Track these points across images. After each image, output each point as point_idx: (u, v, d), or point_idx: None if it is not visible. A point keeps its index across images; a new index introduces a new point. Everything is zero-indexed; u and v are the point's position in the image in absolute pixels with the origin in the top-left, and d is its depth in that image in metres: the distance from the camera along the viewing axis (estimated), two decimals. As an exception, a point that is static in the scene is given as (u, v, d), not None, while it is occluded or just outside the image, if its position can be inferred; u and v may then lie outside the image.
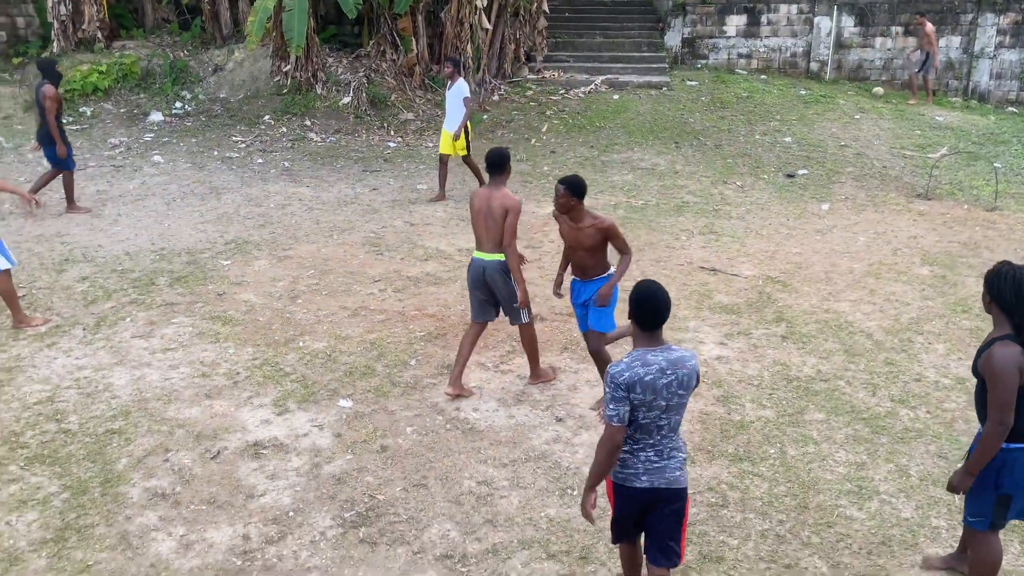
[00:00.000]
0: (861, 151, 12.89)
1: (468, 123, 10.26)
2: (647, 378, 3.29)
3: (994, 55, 16.01)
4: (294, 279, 7.73)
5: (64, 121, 12.59)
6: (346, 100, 14.06)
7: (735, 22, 16.64)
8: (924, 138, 13.53)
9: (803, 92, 15.83)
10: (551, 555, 4.19)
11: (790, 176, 11.74)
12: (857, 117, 14.57)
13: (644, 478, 3.44)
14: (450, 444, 5.15)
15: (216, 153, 12.38)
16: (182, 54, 15.18)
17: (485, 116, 14.28)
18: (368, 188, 10.88)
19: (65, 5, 14.60)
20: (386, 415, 5.47)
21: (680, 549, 3.56)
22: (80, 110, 13.65)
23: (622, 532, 3.67)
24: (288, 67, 13.98)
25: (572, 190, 5.12)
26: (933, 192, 10.96)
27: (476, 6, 14.05)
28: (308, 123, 13.66)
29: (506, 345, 6.53)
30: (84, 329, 6.60)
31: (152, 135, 13.11)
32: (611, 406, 3.32)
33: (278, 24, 13.41)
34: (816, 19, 16.42)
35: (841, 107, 15.09)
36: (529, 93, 15.33)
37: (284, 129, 13.49)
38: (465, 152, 10.33)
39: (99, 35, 14.78)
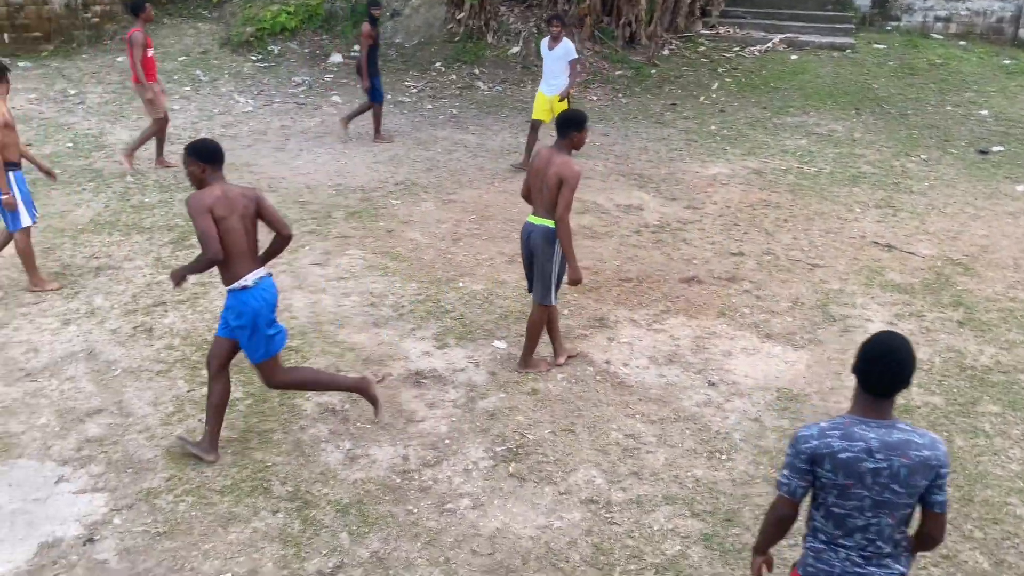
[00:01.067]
0: (1070, 129, 11.66)
1: (571, 91, 9.38)
2: (842, 455, 2.53)
3: None
4: (456, 222, 7.99)
5: (253, 58, 13.36)
6: (515, 50, 14.18)
7: (934, -19, 15.33)
8: None
9: (1007, 62, 14.42)
10: (695, 513, 4.22)
11: (983, 152, 10.81)
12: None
13: None
14: (599, 395, 5.24)
15: (389, 97, 12.84)
16: (364, -2, 15.75)
17: (653, 71, 14.00)
18: (531, 138, 11.00)
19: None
20: (537, 359, 5.61)
21: None
22: (269, 48, 14.51)
23: None
24: (462, 15, 14.23)
25: (197, 155, 4.19)
26: None
27: (653, -44, 13.69)
28: (476, 72, 13.89)
29: (660, 304, 6.50)
30: (268, 253, 7.15)
31: (332, 75, 13.77)
32: (784, 472, 2.66)
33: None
34: (1032, -21, 14.85)
35: (1051, 79, 13.66)
36: (701, 49, 14.85)
37: (454, 76, 13.79)
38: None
39: (290, -23, 15.55)
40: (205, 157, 4.17)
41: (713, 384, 5.43)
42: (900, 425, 2.57)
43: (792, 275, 7.12)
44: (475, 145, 10.64)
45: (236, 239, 4.13)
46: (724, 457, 4.66)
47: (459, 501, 4.25)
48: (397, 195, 8.66)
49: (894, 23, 15.70)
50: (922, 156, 10.62)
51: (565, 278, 5.24)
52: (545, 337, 5.55)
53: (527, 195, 5.32)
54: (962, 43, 15.19)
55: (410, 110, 12.28)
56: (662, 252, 7.51)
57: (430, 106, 12.52)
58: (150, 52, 8.89)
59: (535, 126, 9.60)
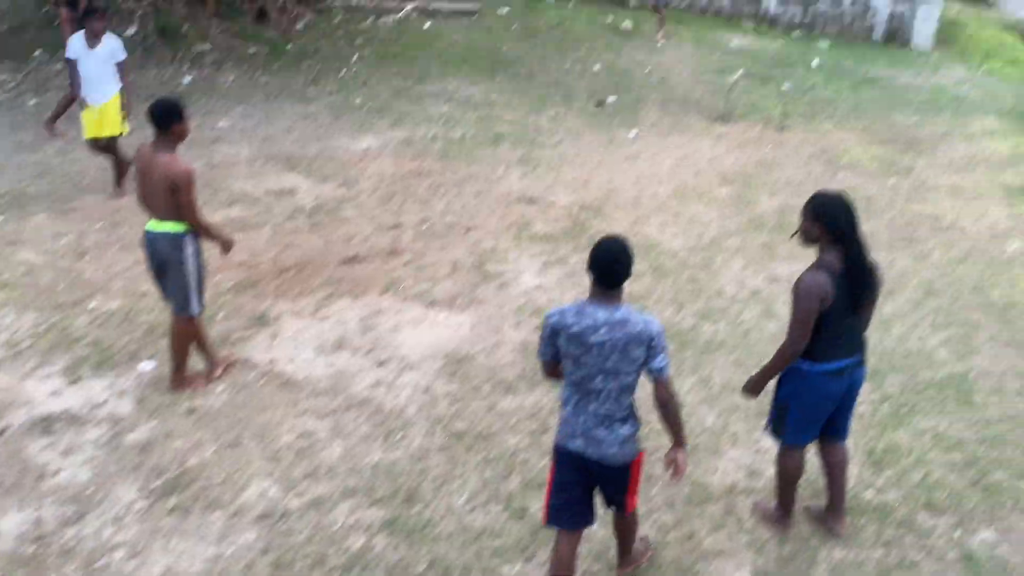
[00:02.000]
0: (664, 77, 13.37)
1: (124, 97, 7.57)
2: (573, 329, 3.17)
3: (780, -18, 17.01)
4: (80, 234, 7.02)
5: None
6: (131, 31, 12.76)
7: (543, -53, 16.56)
8: (721, 63, 14.23)
9: (610, 19, 16.13)
10: (376, 501, 4.15)
11: (599, 104, 12.00)
12: (660, 45, 15.07)
13: (579, 442, 3.30)
14: (265, 399, 4.94)
15: (-22, 94, 10.92)
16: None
17: (290, 46, 13.47)
18: (163, 129, 10.02)
19: None
20: (193, 374, 5.14)
21: (631, 501, 3.47)
22: None
23: (561, 508, 3.37)
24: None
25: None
26: (731, 114, 11.60)
27: (272, -73, 13.07)
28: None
29: (323, 290, 6.30)
30: None
31: None
32: (540, 347, 3.37)
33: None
34: (620, -55, 16.67)
35: (644, 34, 15.53)
36: (337, 21, 14.59)
37: (60, 66, 12.05)
38: (120, 132, 7.66)
39: None
40: None
41: (383, 363, 5.39)
42: (623, 308, 3.20)
43: (449, 240, 7.31)
44: (96, 142, 9.42)
45: None
46: (400, 436, 4.65)
47: (112, 555, 3.75)
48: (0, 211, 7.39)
49: (513, -12, 16.73)
50: (551, 112, 11.50)
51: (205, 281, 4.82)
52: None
53: (144, 200, 4.75)
54: (570, 4, 16.68)
55: (8, 108, 10.52)
56: (320, 235, 7.28)
57: (34, 101, 10.83)
58: None
59: (98, 146, 7.71)
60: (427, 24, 14.93)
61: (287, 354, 5.43)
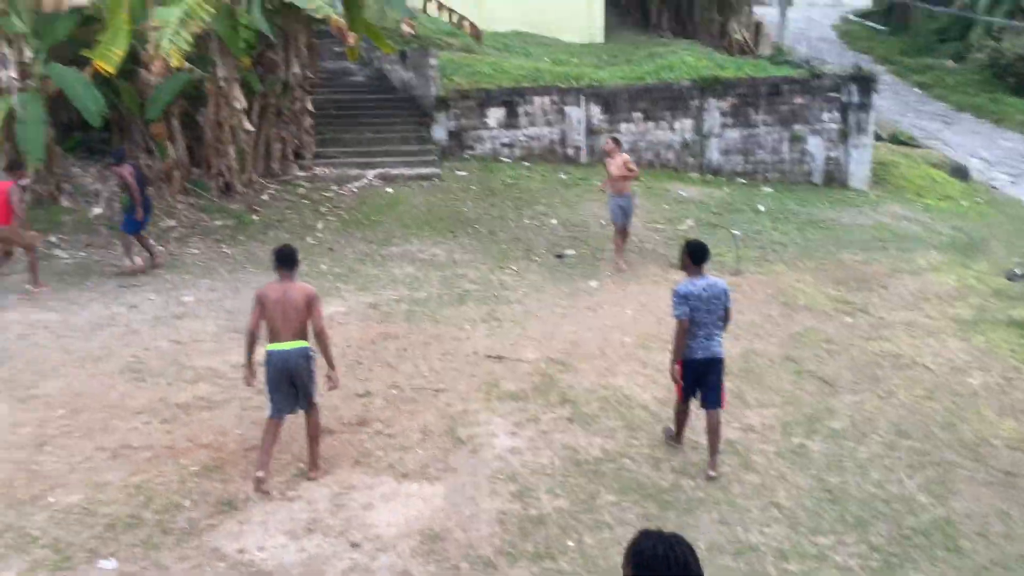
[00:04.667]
0: (621, 228, 13.87)
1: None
2: (694, 291, 5.88)
3: (720, 134, 18.10)
4: (40, 422, 6.83)
5: None
6: (97, 211, 13.02)
7: (495, 115, 17.51)
8: (672, 211, 14.87)
9: (563, 176, 16.89)
10: None
11: (559, 257, 12.35)
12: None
13: (699, 353, 5.97)
14: (235, 594, 4.70)
15: (-62, 281, 10.88)
16: None
17: (255, 217, 13.79)
18: (126, 306, 10.00)
19: None
20: (158, 571, 4.90)
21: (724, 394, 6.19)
22: None
23: (688, 390, 6.15)
24: (26, 181, 12.70)
25: None
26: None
27: (235, 108, 13.68)
28: (53, 239, 12.41)
29: (291, 468, 6.15)
30: None
31: None
32: (677, 309, 5.94)
33: (11, 136, 12.22)
34: (567, 109, 17.72)
35: (598, 187, 16.25)
36: (301, 191, 15.05)
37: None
38: None
39: None
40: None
41: (357, 544, 5.20)
42: (707, 278, 6.07)
43: (418, 405, 7.26)
44: (58, 323, 9.35)
45: None
46: (377, 627, 4.42)
47: None
48: (-45, 404, 7.19)
49: (470, 151, 17.54)
50: (513, 267, 11.79)
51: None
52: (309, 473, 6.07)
53: (280, 324, 5.85)
54: (526, 164, 17.48)
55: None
56: (287, 409, 7.17)
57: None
58: None
59: None
60: (389, 189, 15.47)
61: (256, 541, 5.23)
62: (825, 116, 17.88)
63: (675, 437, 6.46)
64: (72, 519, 5.44)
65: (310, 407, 6.01)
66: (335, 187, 15.39)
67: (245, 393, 7.48)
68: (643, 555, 2.51)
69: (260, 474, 5.79)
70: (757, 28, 26.97)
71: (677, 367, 6.06)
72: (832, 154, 17.81)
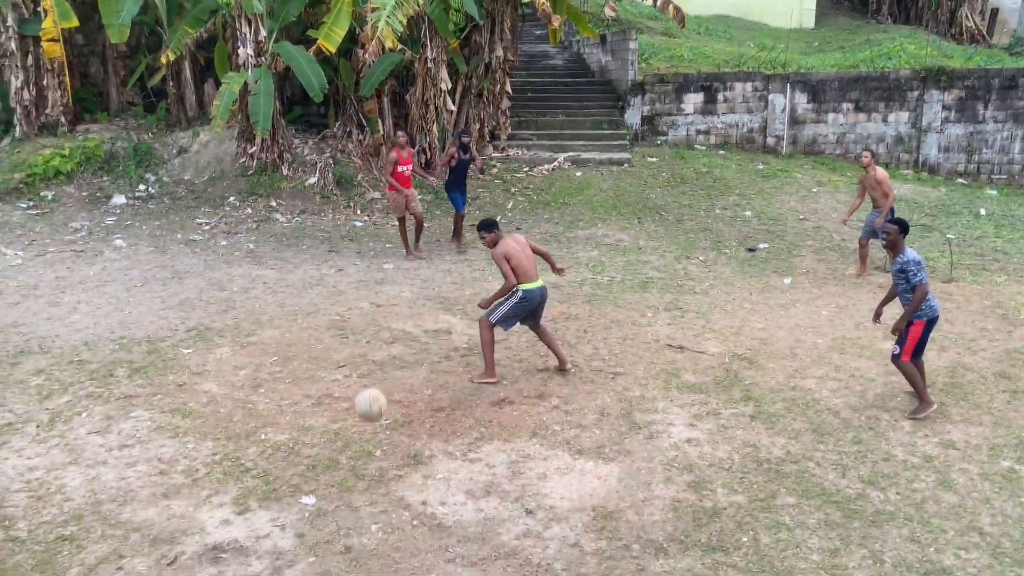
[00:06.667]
0: (820, 224, 13.19)
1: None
2: (918, 258, 6.61)
3: (941, 129, 16.65)
4: (257, 367, 7.59)
5: (23, 206, 12.48)
6: (312, 180, 14.14)
7: (692, 100, 17.16)
8: (879, 210, 13.87)
9: (761, 167, 16.25)
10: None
11: (751, 250, 11.94)
12: (815, 190, 14.96)
13: (938, 311, 6.78)
14: (417, 542, 5.00)
15: (179, 236, 12.31)
16: (147, 137, 15.21)
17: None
18: (334, 269, 10.85)
19: (28, 90, 14.61)
20: (350, 512, 5.31)
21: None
22: (42, 194, 13.53)
23: (918, 352, 6.80)
24: (254, 148, 14.06)
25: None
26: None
27: (440, 88, 14.33)
28: (274, 204, 13.66)
29: (474, 431, 6.43)
30: (37, 426, 6.38)
31: (114, 218, 13.01)
32: (919, 276, 6.52)
33: (244, 107, 13.54)
34: (770, 96, 17.00)
35: (798, 181, 15.50)
36: (494, 171, 15.55)
37: (249, 210, 13.47)
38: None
39: (63, 119, 14.77)
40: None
41: (531, 512, 5.36)
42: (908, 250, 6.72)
43: (596, 386, 7.33)
44: (275, 280, 10.32)
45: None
46: (547, 592, 4.55)
47: None
48: (189, 343, 8.13)
49: (662, 137, 17.31)
50: (700, 258, 11.54)
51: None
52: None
53: (528, 269, 7.17)
54: (721, 152, 16.99)
55: (202, 248, 11.77)
56: (473, 375, 7.50)
57: (224, 242, 12.08)
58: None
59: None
60: (578, 172, 15.61)
61: (439, 496, 5.52)
62: (1069, 113, 16.01)
63: (925, 397, 6.81)
64: (279, 456, 6.02)
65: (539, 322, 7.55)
66: (526, 168, 15.75)
67: (434, 357, 7.91)
68: None
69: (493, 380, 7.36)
70: (993, 15, 24.51)
71: (919, 326, 6.61)
72: (1074, 156, 15.91)
